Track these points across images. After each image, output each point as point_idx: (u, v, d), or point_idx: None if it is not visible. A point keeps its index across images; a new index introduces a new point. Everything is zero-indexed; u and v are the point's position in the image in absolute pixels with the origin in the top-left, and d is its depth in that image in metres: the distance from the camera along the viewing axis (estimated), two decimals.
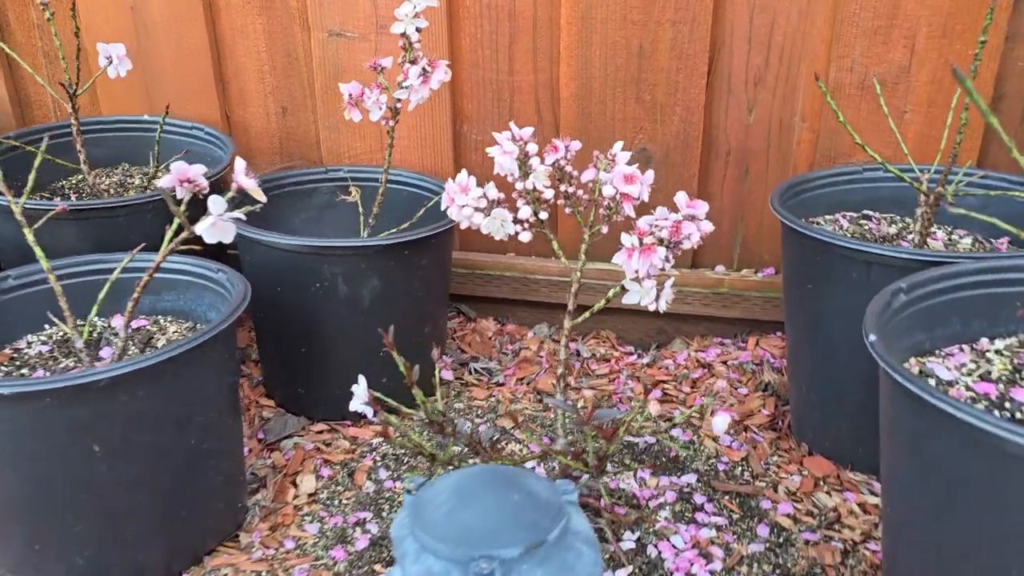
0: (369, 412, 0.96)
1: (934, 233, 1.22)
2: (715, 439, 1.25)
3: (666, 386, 1.39)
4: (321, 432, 1.28)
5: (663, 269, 0.90)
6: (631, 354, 1.49)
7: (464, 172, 0.99)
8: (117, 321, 1.10)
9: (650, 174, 0.94)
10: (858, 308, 0.94)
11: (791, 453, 1.22)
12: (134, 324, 1.11)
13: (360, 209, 1.32)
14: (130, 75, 1.34)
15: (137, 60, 1.50)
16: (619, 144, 0.97)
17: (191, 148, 1.46)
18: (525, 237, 0.99)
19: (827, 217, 1.26)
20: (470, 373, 1.43)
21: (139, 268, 1.06)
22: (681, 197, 0.89)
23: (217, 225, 0.82)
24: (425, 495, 0.67)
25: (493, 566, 0.61)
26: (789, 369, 1.24)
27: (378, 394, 0.97)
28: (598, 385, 1.40)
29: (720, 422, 0.82)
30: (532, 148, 0.97)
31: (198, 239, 0.85)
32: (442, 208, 1.01)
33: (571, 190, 0.98)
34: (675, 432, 1.26)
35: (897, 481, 0.77)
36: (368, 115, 1.21)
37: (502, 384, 1.40)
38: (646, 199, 0.95)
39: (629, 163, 0.93)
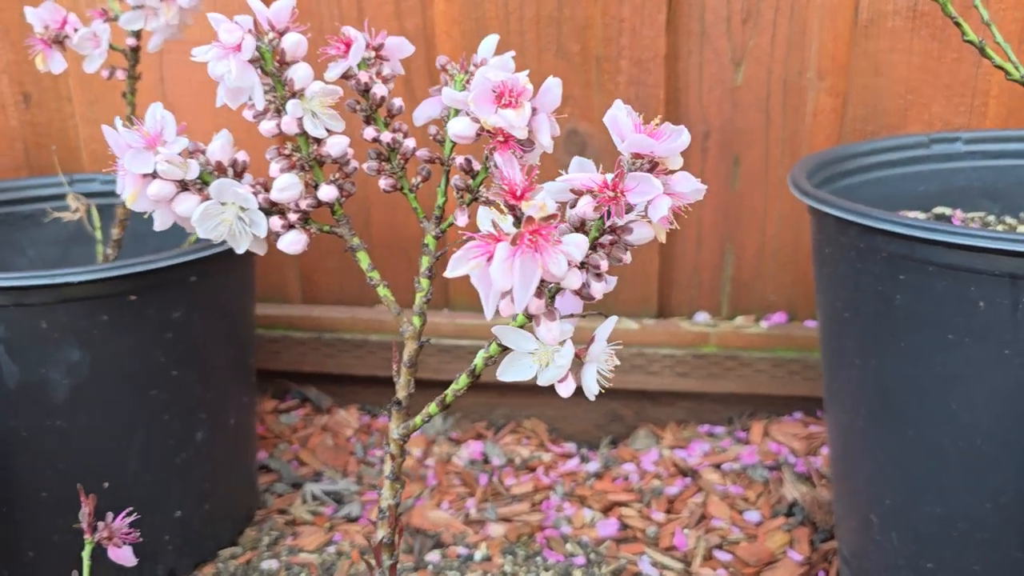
0: None
1: None
2: None
3: (626, 511, 0.85)
4: None
5: (588, 293, 0.36)
6: (571, 456, 0.95)
7: (158, 107, 0.45)
8: None
9: (555, 85, 0.41)
10: (987, 364, 0.54)
11: None
12: None
13: (92, 228, 0.78)
14: None
15: None
16: (492, 38, 0.45)
17: None
18: (291, 244, 0.45)
19: None
20: (304, 501, 0.87)
21: None
22: (621, 112, 0.36)
23: None
24: None
25: None
26: (837, 479, 0.71)
27: None
28: (515, 515, 0.85)
29: None
30: (293, 42, 0.44)
31: None
32: (117, 189, 0.47)
33: (388, 137, 0.45)
34: None
35: None
36: (84, 63, 0.69)
37: (355, 518, 0.85)
38: (548, 147, 0.42)
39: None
